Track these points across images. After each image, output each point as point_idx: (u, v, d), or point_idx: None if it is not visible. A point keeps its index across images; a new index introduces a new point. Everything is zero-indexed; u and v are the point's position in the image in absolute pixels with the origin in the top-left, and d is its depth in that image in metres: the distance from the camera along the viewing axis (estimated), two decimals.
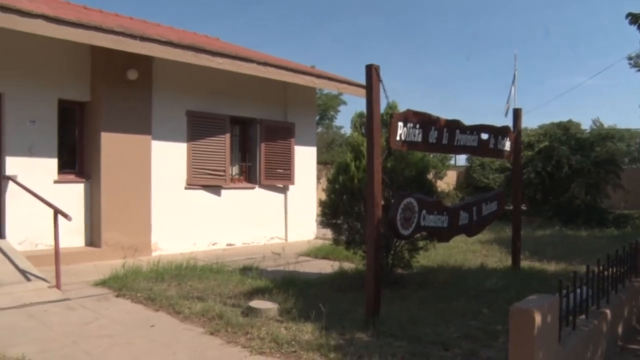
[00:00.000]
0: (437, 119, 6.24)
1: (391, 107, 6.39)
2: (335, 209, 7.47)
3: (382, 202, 5.66)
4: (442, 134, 6.36)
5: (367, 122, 5.65)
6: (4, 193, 8.69)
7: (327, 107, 34.22)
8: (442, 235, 6.53)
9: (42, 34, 7.86)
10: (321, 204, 7.76)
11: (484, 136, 7.36)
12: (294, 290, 6.51)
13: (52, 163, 9.18)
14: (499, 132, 7.69)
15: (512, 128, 8.18)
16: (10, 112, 8.75)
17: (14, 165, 8.73)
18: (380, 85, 5.53)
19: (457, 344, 4.77)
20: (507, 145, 7.95)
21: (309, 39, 59.76)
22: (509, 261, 8.75)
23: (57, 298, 6.53)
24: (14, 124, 8.77)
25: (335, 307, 5.77)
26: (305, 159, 12.88)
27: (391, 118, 5.64)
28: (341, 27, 62.79)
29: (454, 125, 6.61)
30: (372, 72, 5.47)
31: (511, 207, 9.15)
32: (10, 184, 8.62)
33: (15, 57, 8.76)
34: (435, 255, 9.02)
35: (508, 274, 7.99)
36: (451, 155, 22.11)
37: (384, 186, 5.82)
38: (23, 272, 7.25)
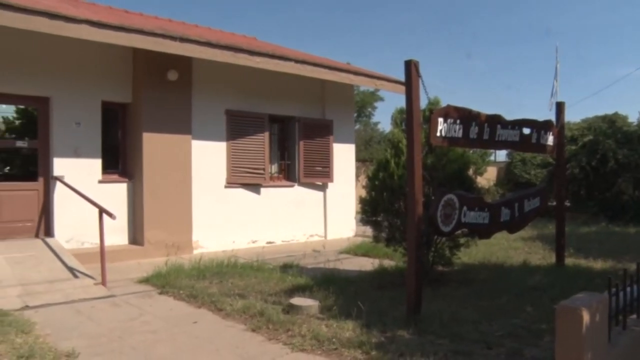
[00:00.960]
0: (478, 114, 6.15)
1: (433, 102, 6.32)
2: (376, 206, 7.44)
3: (423, 199, 5.61)
4: (483, 129, 6.26)
5: (406, 118, 5.60)
6: (52, 193, 8.97)
7: (364, 104, 34.05)
8: (482, 231, 6.43)
9: (86, 39, 8.06)
10: (361, 201, 7.75)
11: (526, 131, 7.21)
12: (335, 287, 6.50)
13: (97, 163, 9.43)
14: (541, 127, 7.52)
15: (555, 122, 8.00)
16: (57, 115, 9.03)
17: (61, 166, 9.00)
18: (420, 81, 5.46)
19: (500, 343, 4.68)
20: (550, 140, 7.77)
21: (346, 36, 59.62)
22: (552, 258, 8.56)
23: (103, 295, 6.71)
24: (60, 126, 9.05)
25: (376, 305, 5.75)
26: (343, 156, 12.87)
27: (431, 114, 5.58)
28: (379, 23, 62.43)
29: (495, 120, 6.50)
30: (411, 67, 5.41)
31: (554, 203, 8.95)
32: (58, 184, 8.90)
33: (61, 62, 9.02)
34: (476, 252, 8.89)
35: (552, 271, 7.81)
36: (491, 150, 21.72)
37: (424, 183, 5.77)
38: (71, 270, 7.47)
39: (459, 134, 5.88)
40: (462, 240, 7.41)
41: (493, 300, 6.18)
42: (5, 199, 8.72)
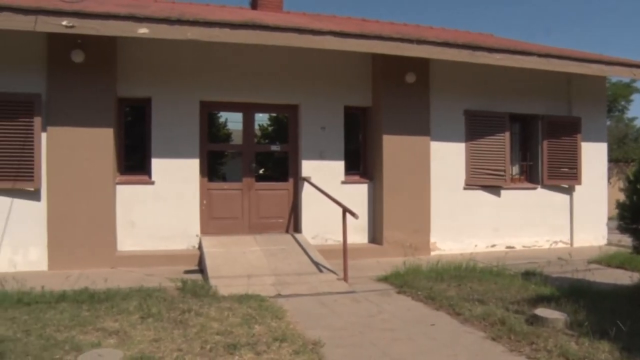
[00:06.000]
0: None
1: None
2: (636, 213, 6.57)
3: None
4: None
5: None
6: (300, 192, 9.77)
7: (616, 97, 30.42)
8: None
9: (330, 48, 8.63)
10: (618, 206, 6.91)
11: None
12: (584, 301, 5.89)
13: (340, 165, 9.99)
14: None
15: None
16: (305, 121, 9.82)
17: (308, 167, 9.75)
18: None
19: None
20: None
21: (589, 26, 54.04)
22: None
23: (344, 290, 7.05)
24: (308, 131, 9.82)
25: (637, 326, 5.05)
26: (593, 156, 11.65)
27: None
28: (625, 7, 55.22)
29: None
30: None
31: None
32: (305, 185, 9.65)
33: (307, 71, 9.79)
34: None
35: None
36: None
37: None
38: (316, 264, 8.03)
39: None
40: None
41: None
42: (263, 197, 9.78)
